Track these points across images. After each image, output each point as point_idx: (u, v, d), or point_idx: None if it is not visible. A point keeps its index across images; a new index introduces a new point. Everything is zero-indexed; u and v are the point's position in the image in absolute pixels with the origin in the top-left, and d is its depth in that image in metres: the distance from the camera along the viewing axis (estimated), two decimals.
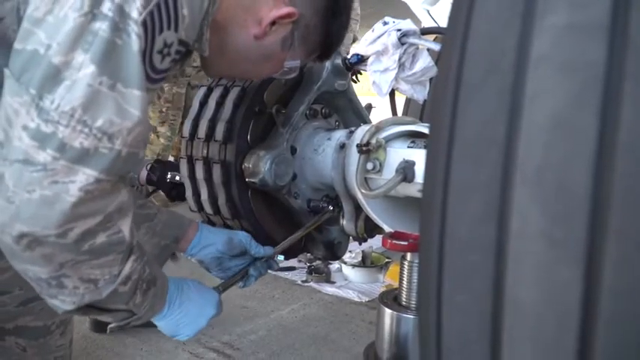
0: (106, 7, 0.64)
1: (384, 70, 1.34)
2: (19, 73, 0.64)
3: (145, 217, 1.07)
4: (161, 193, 3.65)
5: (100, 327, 1.74)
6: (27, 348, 1.05)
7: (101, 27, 0.64)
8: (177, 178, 1.57)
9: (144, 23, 0.67)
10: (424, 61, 1.33)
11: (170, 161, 1.95)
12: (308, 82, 1.30)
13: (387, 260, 2.38)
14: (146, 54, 0.69)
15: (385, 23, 1.32)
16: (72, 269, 0.71)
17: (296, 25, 0.90)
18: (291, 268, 2.41)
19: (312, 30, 0.94)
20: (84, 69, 0.63)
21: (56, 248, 0.68)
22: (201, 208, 1.36)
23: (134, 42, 0.66)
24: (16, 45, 0.66)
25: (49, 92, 0.63)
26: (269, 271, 1.22)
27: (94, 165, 0.66)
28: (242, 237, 1.15)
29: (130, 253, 0.78)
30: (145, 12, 0.66)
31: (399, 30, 1.29)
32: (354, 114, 1.44)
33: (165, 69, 0.75)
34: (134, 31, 0.66)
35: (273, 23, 0.87)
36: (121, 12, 0.65)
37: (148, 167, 1.82)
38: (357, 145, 1.17)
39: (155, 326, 0.94)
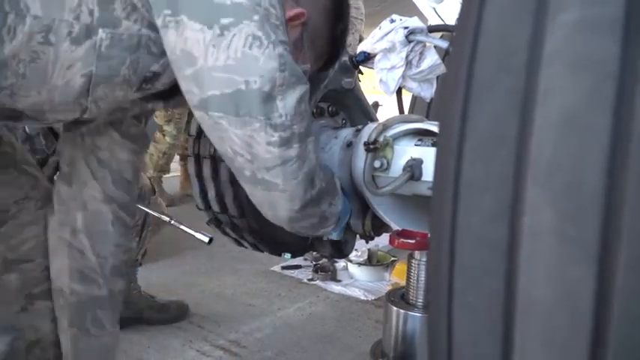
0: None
1: (391, 67, 1.34)
2: (235, 111, 0.80)
3: None
4: (165, 193, 3.66)
5: None
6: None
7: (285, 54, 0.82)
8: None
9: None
10: (431, 59, 1.33)
11: None
12: (315, 80, 1.30)
13: (392, 259, 2.38)
14: None
15: (392, 21, 1.32)
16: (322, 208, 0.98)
17: (305, 27, 0.97)
18: (297, 267, 2.42)
19: (319, 33, 1.02)
20: (287, 85, 0.81)
21: (319, 194, 0.93)
22: (208, 206, 1.36)
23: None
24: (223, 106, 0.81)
25: (271, 112, 0.80)
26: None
27: (310, 132, 0.88)
28: None
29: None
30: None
31: (406, 27, 1.29)
32: (361, 112, 1.43)
33: None
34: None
35: None
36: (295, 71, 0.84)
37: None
38: (364, 143, 1.17)
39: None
